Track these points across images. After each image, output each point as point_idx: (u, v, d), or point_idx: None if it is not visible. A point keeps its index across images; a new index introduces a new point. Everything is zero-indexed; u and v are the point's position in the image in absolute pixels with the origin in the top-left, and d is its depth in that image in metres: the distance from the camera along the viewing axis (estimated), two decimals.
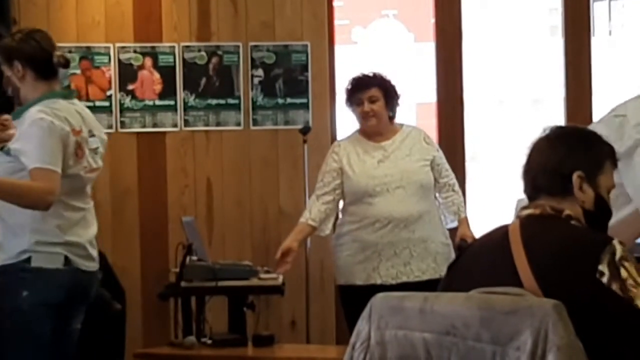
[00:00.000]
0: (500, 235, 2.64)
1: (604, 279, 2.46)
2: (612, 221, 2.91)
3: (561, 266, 2.49)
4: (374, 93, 5.10)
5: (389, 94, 5.14)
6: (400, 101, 5.22)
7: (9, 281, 3.86)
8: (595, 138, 2.77)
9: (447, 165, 5.21)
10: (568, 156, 2.69)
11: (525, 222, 2.64)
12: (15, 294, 3.84)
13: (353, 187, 5.06)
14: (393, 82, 5.20)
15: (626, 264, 2.48)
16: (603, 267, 2.47)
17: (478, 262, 2.67)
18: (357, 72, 5.22)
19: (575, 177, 2.66)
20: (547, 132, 2.76)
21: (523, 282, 2.49)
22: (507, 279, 2.50)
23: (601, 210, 2.72)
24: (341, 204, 5.18)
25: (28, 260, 3.86)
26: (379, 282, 4.96)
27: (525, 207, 2.70)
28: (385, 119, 5.14)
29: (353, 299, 4.80)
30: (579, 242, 2.55)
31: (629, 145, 3.36)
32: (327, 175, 5.12)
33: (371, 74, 5.17)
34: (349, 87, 5.17)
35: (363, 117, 5.11)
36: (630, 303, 2.44)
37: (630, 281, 2.47)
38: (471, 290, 2.50)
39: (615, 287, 2.45)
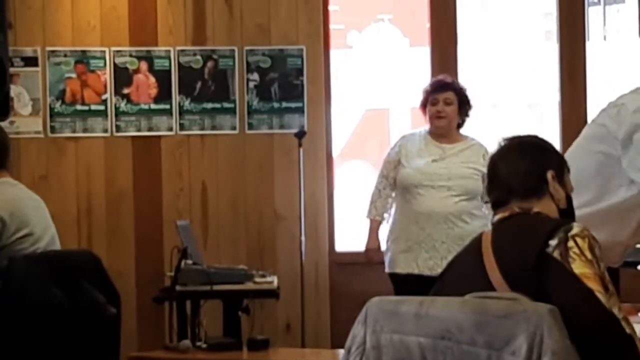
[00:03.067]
0: (475, 242, 2.67)
1: (549, 250, 2.48)
2: (607, 204, 2.96)
3: (523, 253, 2.52)
4: (450, 96, 5.37)
5: (463, 102, 5.41)
6: (470, 112, 5.47)
7: None
8: (551, 144, 2.84)
9: None
10: (539, 157, 2.75)
11: (497, 227, 2.67)
12: None
13: (402, 178, 5.33)
14: (468, 92, 5.46)
15: (578, 239, 2.50)
16: (553, 241, 2.50)
17: (458, 270, 2.70)
18: (434, 76, 5.60)
19: (549, 175, 2.72)
20: (506, 142, 2.82)
21: (493, 283, 2.51)
22: (480, 284, 2.52)
23: (571, 209, 2.78)
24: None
25: None
26: (416, 272, 5.23)
27: (495, 214, 2.72)
28: (454, 124, 5.40)
29: (397, 286, 5.25)
30: (536, 227, 2.58)
31: (627, 129, 3.39)
32: (386, 165, 5.43)
33: (450, 79, 5.48)
34: (428, 88, 5.42)
35: (435, 116, 5.36)
36: (564, 265, 2.46)
37: (575, 250, 2.48)
38: (453, 295, 2.51)
39: (556, 253, 2.48)
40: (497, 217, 2.71)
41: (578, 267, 2.46)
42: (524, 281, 2.47)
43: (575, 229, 2.53)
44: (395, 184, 5.40)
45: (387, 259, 5.40)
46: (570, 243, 2.49)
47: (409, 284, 5.15)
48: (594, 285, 2.44)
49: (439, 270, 4.99)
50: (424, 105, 5.42)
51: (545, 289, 2.45)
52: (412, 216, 5.27)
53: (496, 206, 2.73)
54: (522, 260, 2.51)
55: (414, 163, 5.32)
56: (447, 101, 5.35)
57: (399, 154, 5.39)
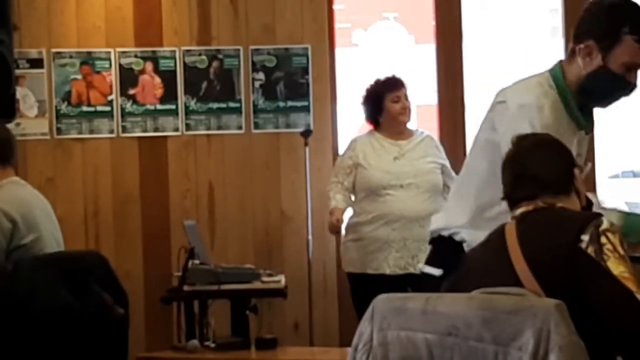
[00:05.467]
0: (497, 235, 2.66)
1: (583, 245, 2.49)
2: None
3: (550, 245, 2.52)
4: (407, 92, 5.41)
5: (410, 98, 5.45)
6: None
7: None
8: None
9: (453, 174, 5.38)
10: (564, 154, 2.78)
11: (520, 219, 2.66)
12: None
13: (367, 180, 5.28)
14: None
15: (609, 234, 2.52)
16: (585, 236, 2.50)
17: (479, 263, 2.69)
18: (378, 76, 5.48)
19: (577, 172, 2.74)
20: (525, 140, 2.81)
21: (520, 278, 2.51)
22: (505, 276, 2.52)
23: (591, 206, 2.82)
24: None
25: None
26: (388, 272, 5.20)
27: (518, 207, 2.71)
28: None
29: (363, 287, 5.13)
30: (566, 220, 2.59)
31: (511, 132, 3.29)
32: (341, 171, 5.37)
33: (398, 76, 5.46)
34: (382, 87, 5.38)
35: (400, 112, 5.37)
36: (599, 263, 2.46)
37: (608, 246, 2.49)
38: (474, 290, 2.51)
39: (590, 250, 2.48)
40: (520, 210, 2.70)
41: (614, 266, 2.47)
42: (552, 273, 2.47)
43: (605, 223, 2.54)
44: (353, 189, 5.35)
45: (348, 259, 5.36)
46: (603, 239, 2.50)
47: (378, 285, 4.92)
48: (632, 285, 2.46)
49: (410, 270, 5.07)
50: (378, 103, 5.35)
51: (577, 284, 2.45)
52: (381, 217, 5.22)
53: (520, 201, 2.73)
54: (551, 252, 2.51)
55: (375, 164, 5.29)
56: (406, 97, 5.40)
57: (354, 158, 5.34)
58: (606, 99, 3.32)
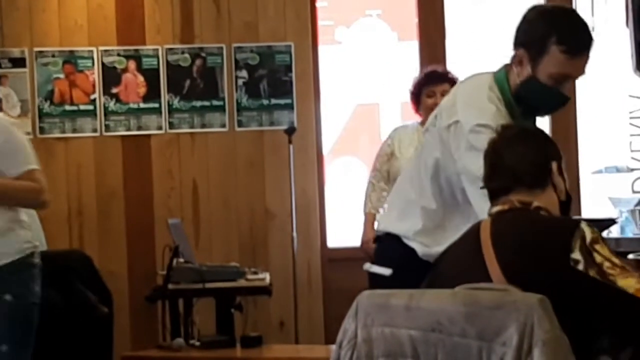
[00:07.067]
0: (472, 233, 2.65)
1: (580, 267, 2.46)
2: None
3: (529, 257, 2.50)
4: (447, 88, 5.22)
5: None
6: None
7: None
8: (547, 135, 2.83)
9: None
10: (543, 147, 2.73)
11: (495, 219, 2.64)
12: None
13: (397, 171, 5.23)
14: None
15: (597, 247, 2.48)
16: (576, 255, 2.47)
17: (454, 261, 2.69)
18: (429, 68, 5.47)
19: (555, 166, 2.69)
20: (507, 130, 2.78)
21: (492, 279, 2.50)
22: (477, 276, 2.50)
23: (570, 200, 2.76)
24: None
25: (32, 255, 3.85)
26: None
27: (494, 204, 2.70)
28: None
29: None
30: (546, 231, 2.56)
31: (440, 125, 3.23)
32: (379, 159, 5.43)
33: (444, 70, 5.44)
34: (422, 79, 5.34)
35: (431, 108, 5.21)
36: (614, 286, 2.44)
37: (607, 264, 2.46)
38: (451, 287, 2.50)
39: (592, 273, 2.45)
40: (496, 209, 2.68)
41: (624, 282, 2.43)
42: (531, 284, 2.43)
43: (587, 232, 2.48)
44: (389, 177, 5.38)
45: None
46: (598, 258, 2.45)
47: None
48: None
49: None
50: (416, 96, 5.35)
51: (586, 308, 2.43)
52: None
53: (496, 194, 2.71)
54: (535, 266, 2.46)
55: (407, 153, 5.29)
56: (444, 93, 5.29)
57: (391, 147, 5.39)
58: (540, 110, 3.23)
